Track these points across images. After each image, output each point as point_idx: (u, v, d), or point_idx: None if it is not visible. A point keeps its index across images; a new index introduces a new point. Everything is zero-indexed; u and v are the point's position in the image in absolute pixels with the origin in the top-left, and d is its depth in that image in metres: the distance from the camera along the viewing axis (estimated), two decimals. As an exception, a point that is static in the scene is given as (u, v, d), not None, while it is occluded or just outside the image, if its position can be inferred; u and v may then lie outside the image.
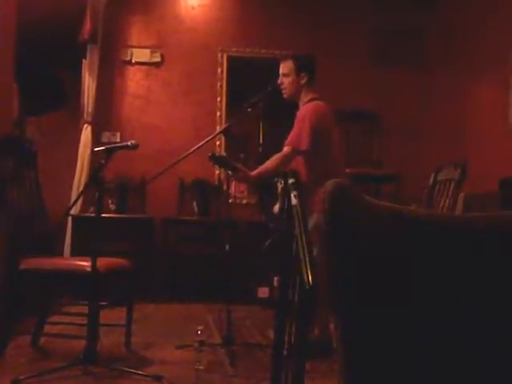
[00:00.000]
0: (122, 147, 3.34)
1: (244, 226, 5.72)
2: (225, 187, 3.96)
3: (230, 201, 3.93)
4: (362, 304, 1.10)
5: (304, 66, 3.82)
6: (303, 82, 3.80)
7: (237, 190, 6.19)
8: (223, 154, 3.70)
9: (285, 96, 3.87)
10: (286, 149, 3.67)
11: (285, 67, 3.84)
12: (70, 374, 2.99)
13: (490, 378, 1.11)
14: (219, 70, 6.35)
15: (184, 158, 3.78)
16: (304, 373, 1.35)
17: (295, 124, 3.72)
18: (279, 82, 3.85)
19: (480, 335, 1.12)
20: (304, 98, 3.82)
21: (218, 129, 5.83)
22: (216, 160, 3.68)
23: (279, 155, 3.69)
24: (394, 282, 1.12)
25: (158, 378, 2.98)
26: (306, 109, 3.74)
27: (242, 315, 4.72)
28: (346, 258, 1.12)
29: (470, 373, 1.11)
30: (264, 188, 3.90)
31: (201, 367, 3.23)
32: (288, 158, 3.67)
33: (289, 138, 3.70)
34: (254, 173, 3.70)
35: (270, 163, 3.68)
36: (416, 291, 1.12)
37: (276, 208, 3.77)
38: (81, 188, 5.59)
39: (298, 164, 3.74)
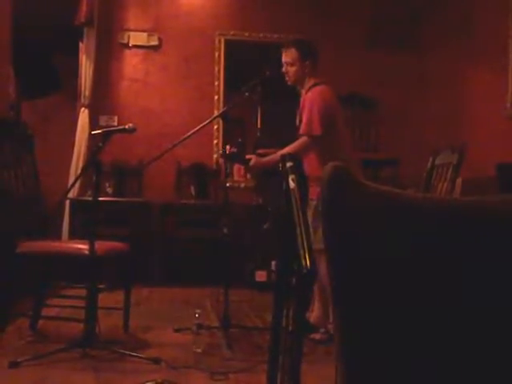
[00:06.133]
0: (119, 131, 3.33)
1: (242, 209, 5.72)
2: (222, 171, 3.97)
3: (228, 184, 3.92)
4: (361, 290, 1.11)
5: (308, 53, 3.78)
6: (308, 68, 3.77)
7: (236, 174, 6.19)
8: (233, 149, 3.68)
9: (289, 83, 3.84)
10: (302, 138, 3.63)
11: (288, 56, 3.78)
12: (68, 357, 3.00)
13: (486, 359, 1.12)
14: (217, 54, 6.32)
15: (181, 141, 3.77)
16: (302, 356, 1.36)
17: (304, 112, 3.67)
18: (284, 70, 3.79)
19: (480, 323, 1.12)
20: (307, 83, 3.77)
21: (216, 113, 5.82)
22: (227, 157, 3.70)
23: (296, 144, 3.62)
24: (393, 267, 1.12)
25: (157, 360, 3.00)
26: (313, 94, 3.69)
27: (239, 299, 4.74)
28: (344, 243, 1.12)
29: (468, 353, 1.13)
30: (264, 172, 3.90)
31: (198, 350, 3.26)
32: (305, 146, 3.60)
33: (302, 127, 3.65)
34: (266, 161, 3.70)
35: (288, 151, 3.62)
36: (417, 276, 1.12)
37: None
38: (78, 171, 5.58)
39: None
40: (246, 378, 2.86)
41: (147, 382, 2.68)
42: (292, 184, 1.26)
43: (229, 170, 3.93)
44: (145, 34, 6.23)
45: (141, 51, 6.26)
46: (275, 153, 3.75)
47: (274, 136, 3.75)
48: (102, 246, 3.21)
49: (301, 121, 3.71)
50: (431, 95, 6.31)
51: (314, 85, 3.74)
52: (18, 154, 3.63)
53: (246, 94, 3.82)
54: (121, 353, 3.11)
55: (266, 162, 3.69)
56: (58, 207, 5.34)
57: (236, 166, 6.00)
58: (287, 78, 3.82)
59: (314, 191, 1.70)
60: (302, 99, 3.80)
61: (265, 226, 4.01)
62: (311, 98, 3.68)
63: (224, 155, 3.67)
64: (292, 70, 3.77)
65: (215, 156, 6.13)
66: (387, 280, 1.12)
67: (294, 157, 1.27)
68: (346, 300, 1.10)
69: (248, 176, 6.14)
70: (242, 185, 6.19)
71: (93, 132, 3.44)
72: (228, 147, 3.70)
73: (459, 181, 3.85)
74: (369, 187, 1.18)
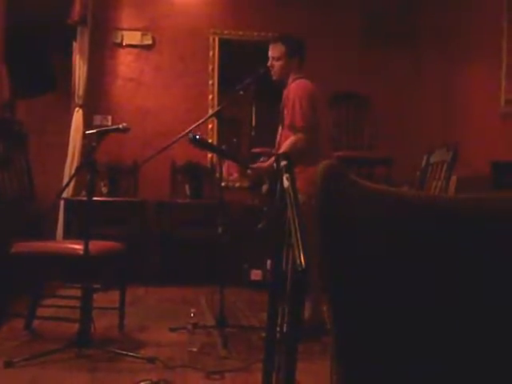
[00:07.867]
0: (113, 130, 3.33)
1: (237, 208, 5.72)
2: (217, 170, 3.95)
3: (223, 184, 3.92)
4: (356, 286, 1.11)
5: (296, 50, 3.81)
6: (294, 65, 3.80)
7: (225, 173, 6.16)
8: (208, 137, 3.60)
9: (274, 78, 3.86)
10: (291, 138, 3.64)
11: (275, 50, 3.81)
12: (63, 357, 3.00)
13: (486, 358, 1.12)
14: (211, 53, 6.31)
15: (176, 141, 3.77)
16: (297, 355, 1.36)
17: (287, 108, 3.69)
18: (269, 64, 3.83)
19: (476, 320, 1.12)
20: (291, 78, 3.81)
21: (210, 112, 5.81)
22: (196, 142, 3.63)
23: (289, 143, 3.63)
24: (388, 264, 1.12)
25: (152, 360, 3.00)
26: (295, 88, 3.72)
27: (235, 298, 4.74)
28: (339, 241, 1.12)
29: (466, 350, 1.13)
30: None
31: (194, 349, 3.26)
32: (299, 142, 3.61)
33: (289, 125, 3.67)
34: (268, 164, 3.70)
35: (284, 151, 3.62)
36: (411, 273, 1.12)
37: (264, 188, 3.76)
38: (72, 171, 5.57)
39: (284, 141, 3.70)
40: (241, 377, 2.86)
41: (143, 381, 2.68)
42: (286, 183, 1.26)
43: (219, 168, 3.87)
44: (139, 33, 6.21)
45: (135, 50, 6.24)
46: (270, 151, 3.75)
47: (269, 134, 3.73)
48: (96, 245, 3.21)
49: (282, 111, 3.74)
50: (426, 94, 6.31)
51: (296, 79, 3.76)
52: (11, 153, 3.62)
53: (241, 92, 3.83)
54: (116, 352, 3.10)
55: (269, 166, 3.68)
56: (53, 207, 5.33)
57: (226, 165, 5.96)
58: (272, 73, 3.85)
59: None
60: (285, 91, 3.81)
61: (259, 225, 4.01)
62: (294, 92, 3.69)
63: (192, 140, 3.57)
64: (278, 64, 3.81)
65: (210, 155, 6.12)
66: (383, 278, 1.12)
67: (288, 156, 1.28)
68: (340, 298, 1.10)
69: (242, 171, 6.12)
70: (237, 184, 6.19)
71: (87, 132, 3.43)
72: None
73: (453, 179, 3.85)
74: (364, 185, 1.18)
